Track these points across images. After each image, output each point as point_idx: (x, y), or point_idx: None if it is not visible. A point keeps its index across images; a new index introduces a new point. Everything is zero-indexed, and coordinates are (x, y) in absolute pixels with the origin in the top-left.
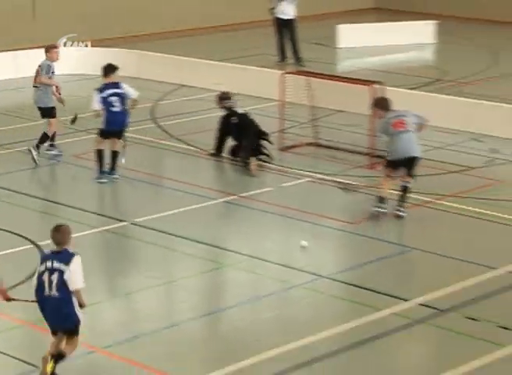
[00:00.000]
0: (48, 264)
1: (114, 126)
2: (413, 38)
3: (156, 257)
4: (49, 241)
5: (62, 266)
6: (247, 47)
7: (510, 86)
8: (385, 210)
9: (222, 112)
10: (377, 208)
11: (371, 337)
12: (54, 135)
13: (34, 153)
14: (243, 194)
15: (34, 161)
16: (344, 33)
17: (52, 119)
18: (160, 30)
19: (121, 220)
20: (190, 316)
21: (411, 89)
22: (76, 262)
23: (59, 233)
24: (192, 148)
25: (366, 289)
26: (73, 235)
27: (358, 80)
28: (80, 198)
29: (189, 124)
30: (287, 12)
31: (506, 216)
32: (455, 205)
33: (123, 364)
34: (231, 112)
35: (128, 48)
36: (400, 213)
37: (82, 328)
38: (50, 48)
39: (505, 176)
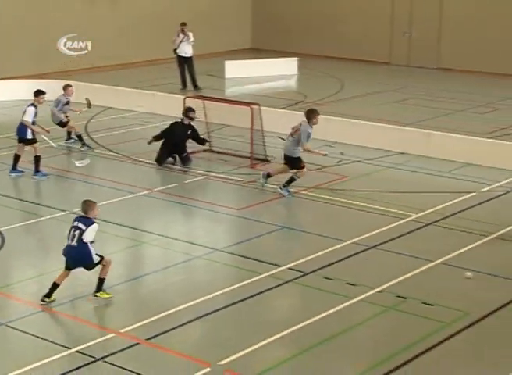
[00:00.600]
0: (75, 223)
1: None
2: (281, 71)
3: None
4: None
5: (83, 227)
6: (157, 78)
7: (351, 106)
8: (263, 185)
9: (175, 120)
10: (260, 181)
11: (255, 294)
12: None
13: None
14: (156, 189)
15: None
16: (230, 67)
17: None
18: (90, 66)
19: (63, 210)
20: (118, 282)
21: (281, 109)
22: (92, 227)
23: (85, 205)
24: (116, 154)
25: (250, 258)
26: (30, 222)
27: (241, 102)
28: (29, 194)
29: (114, 137)
30: (187, 51)
31: (350, 201)
32: (314, 194)
33: (67, 319)
34: (189, 125)
35: (66, 80)
36: (281, 191)
37: (33, 292)
38: (66, 87)
39: (349, 173)
